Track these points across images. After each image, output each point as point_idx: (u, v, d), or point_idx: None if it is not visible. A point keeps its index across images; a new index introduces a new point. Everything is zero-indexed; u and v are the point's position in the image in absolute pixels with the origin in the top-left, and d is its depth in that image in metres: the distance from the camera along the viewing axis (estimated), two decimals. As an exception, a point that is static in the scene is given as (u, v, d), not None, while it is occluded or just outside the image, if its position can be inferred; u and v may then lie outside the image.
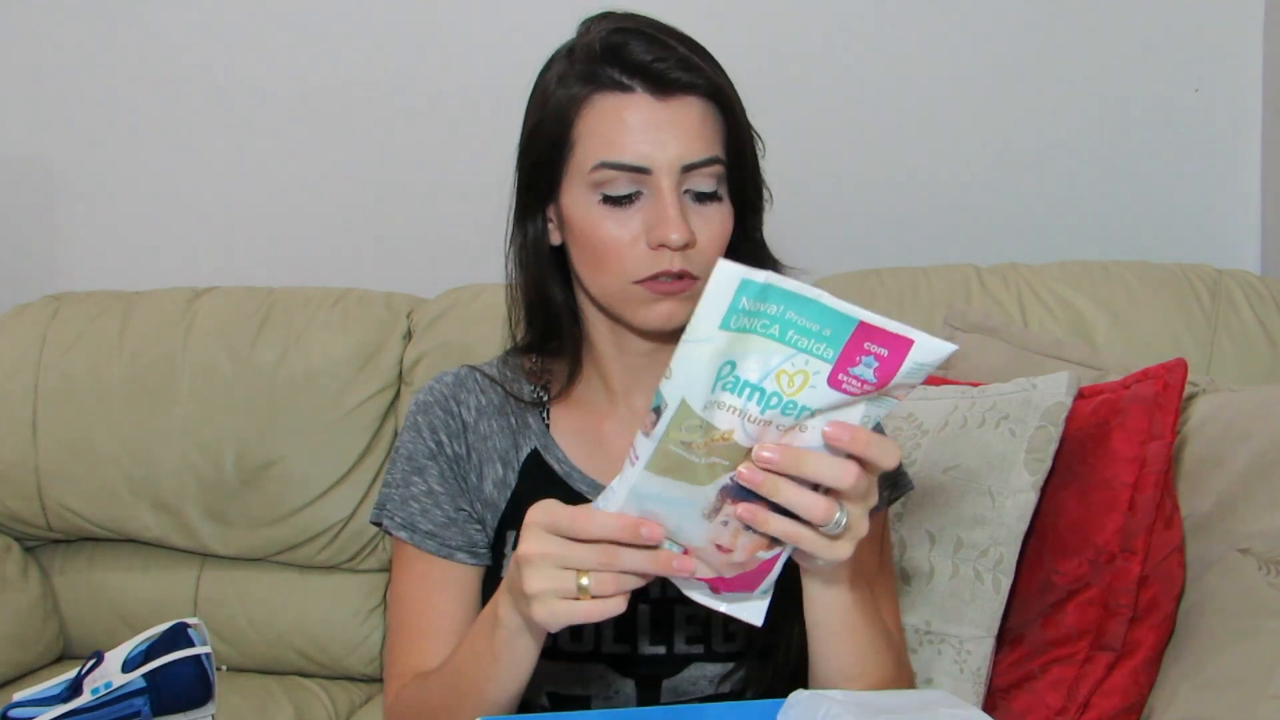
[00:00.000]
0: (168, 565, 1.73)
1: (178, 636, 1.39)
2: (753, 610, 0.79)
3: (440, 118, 1.86)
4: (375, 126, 1.89)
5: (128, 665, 1.34)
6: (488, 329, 1.57)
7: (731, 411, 0.69)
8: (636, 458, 0.72)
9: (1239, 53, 1.71)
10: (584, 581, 0.75)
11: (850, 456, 0.71)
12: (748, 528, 0.73)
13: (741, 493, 0.71)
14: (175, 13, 1.91)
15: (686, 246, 0.92)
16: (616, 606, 0.75)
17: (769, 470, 0.70)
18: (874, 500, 0.75)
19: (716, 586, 0.77)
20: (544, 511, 0.77)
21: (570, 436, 1.05)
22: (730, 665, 0.99)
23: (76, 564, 1.77)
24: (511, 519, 1.03)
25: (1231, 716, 1.02)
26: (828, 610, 0.87)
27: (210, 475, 1.66)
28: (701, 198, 0.94)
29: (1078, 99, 1.74)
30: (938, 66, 1.76)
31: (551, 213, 0.99)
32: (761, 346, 0.68)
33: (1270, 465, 1.17)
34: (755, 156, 0.99)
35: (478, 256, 1.52)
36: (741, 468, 0.70)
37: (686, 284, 0.94)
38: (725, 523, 0.73)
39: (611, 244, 0.93)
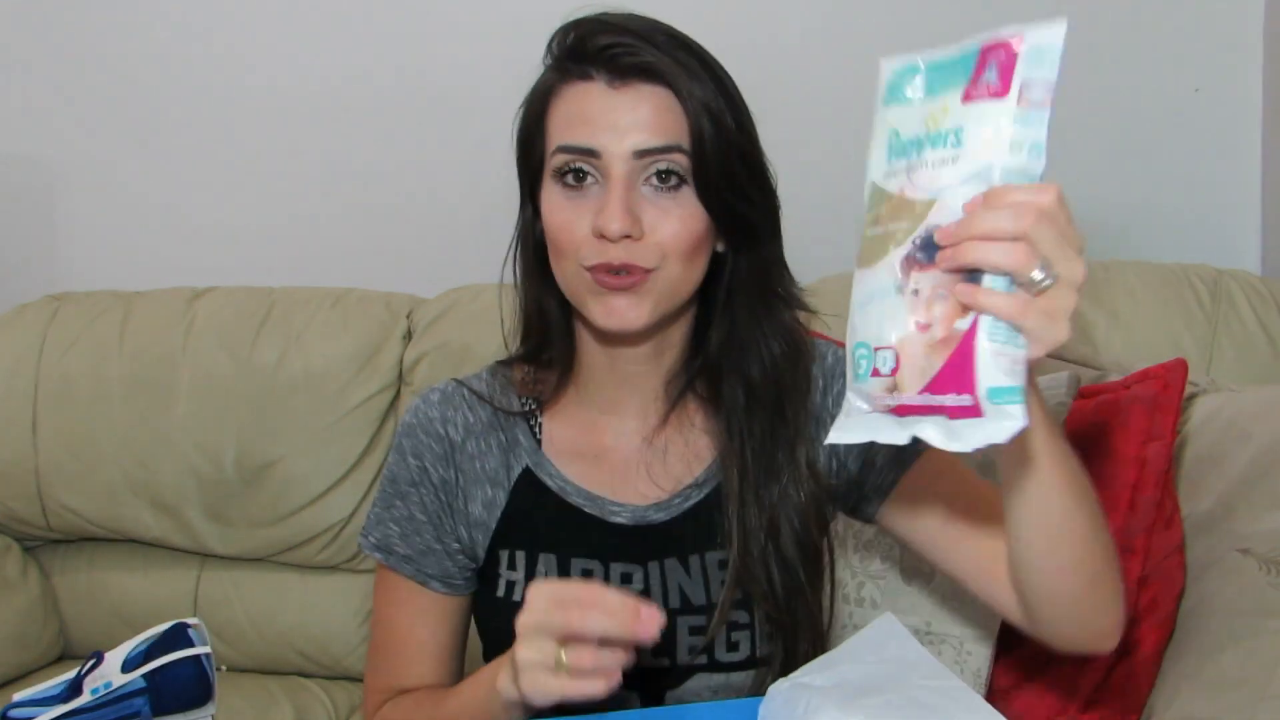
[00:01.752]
0: (168, 565, 1.73)
1: (178, 636, 1.39)
2: (998, 428, 0.67)
3: (440, 117, 1.86)
4: (375, 126, 1.89)
5: (128, 665, 1.34)
6: (488, 329, 1.56)
7: (901, 173, 0.72)
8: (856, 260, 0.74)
9: (1239, 53, 1.71)
10: (563, 658, 0.76)
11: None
12: (939, 294, 0.69)
13: (926, 251, 0.69)
14: (175, 13, 1.91)
15: (627, 238, 0.89)
16: (594, 687, 0.76)
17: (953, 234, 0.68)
18: (1072, 262, 0.68)
19: (944, 412, 0.69)
20: (551, 585, 0.79)
21: (564, 450, 1.03)
22: (734, 675, 0.99)
23: (76, 564, 1.77)
24: (503, 538, 1.02)
25: (1231, 716, 1.02)
26: (1045, 505, 0.82)
27: (210, 475, 1.66)
28: (661, 189, 0.92)
29: (1077, 99, 1.74)
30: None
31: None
32: (915, 106, 0.73)
33: (1270, 465, 1.17)
34: (736, 152, 0.94)
35: (478, 256, 1.52)
36: (920, 228, 0.69)
37: (634, 279, 0.91)
38: (915, 291, 0.70)
39: (565, 229, 0.92)
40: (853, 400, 0.74)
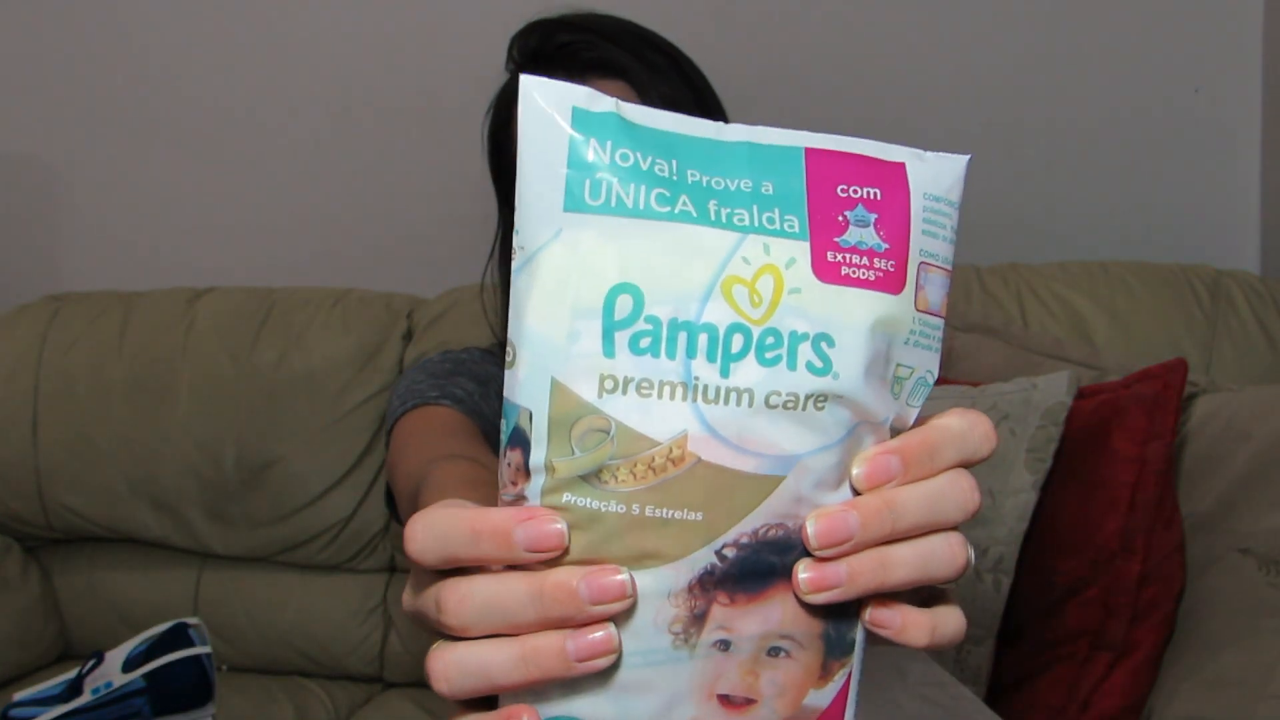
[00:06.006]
0: (168, 565, 1.73)
1: (178, 636, 1.40)
2: None
3: (440, 118, 1.86)
4: (375, 126, 1.89)
5: (128, 665, 1.34)
6: (488, 329, 1.57)
7: (661, 388, 0.36)
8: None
9: (1239, 53, 1.71)
10: None
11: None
12: (775, 648, 0.39)
13: (758, 574, 0.38)
14: (175, 13, 1.91)
15: None
16: None
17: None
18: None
19: None
20: None
21: None
22: None
23: (76, 564, 1.76)
24: None
25: (1231, 716, 1.02)
26: None
27: (210, 475, 1.66)
28: None
29: (1078, 99, 1.74)
30: (937, 66, 1.76)
31: None
32: (670, 236, 0.36)
33: (1270, 465, 1.17)
34: None
35: (478, 256, 1.52)
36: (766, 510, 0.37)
37: None
38: (723, 644, 0.38)
39: None
40: None
